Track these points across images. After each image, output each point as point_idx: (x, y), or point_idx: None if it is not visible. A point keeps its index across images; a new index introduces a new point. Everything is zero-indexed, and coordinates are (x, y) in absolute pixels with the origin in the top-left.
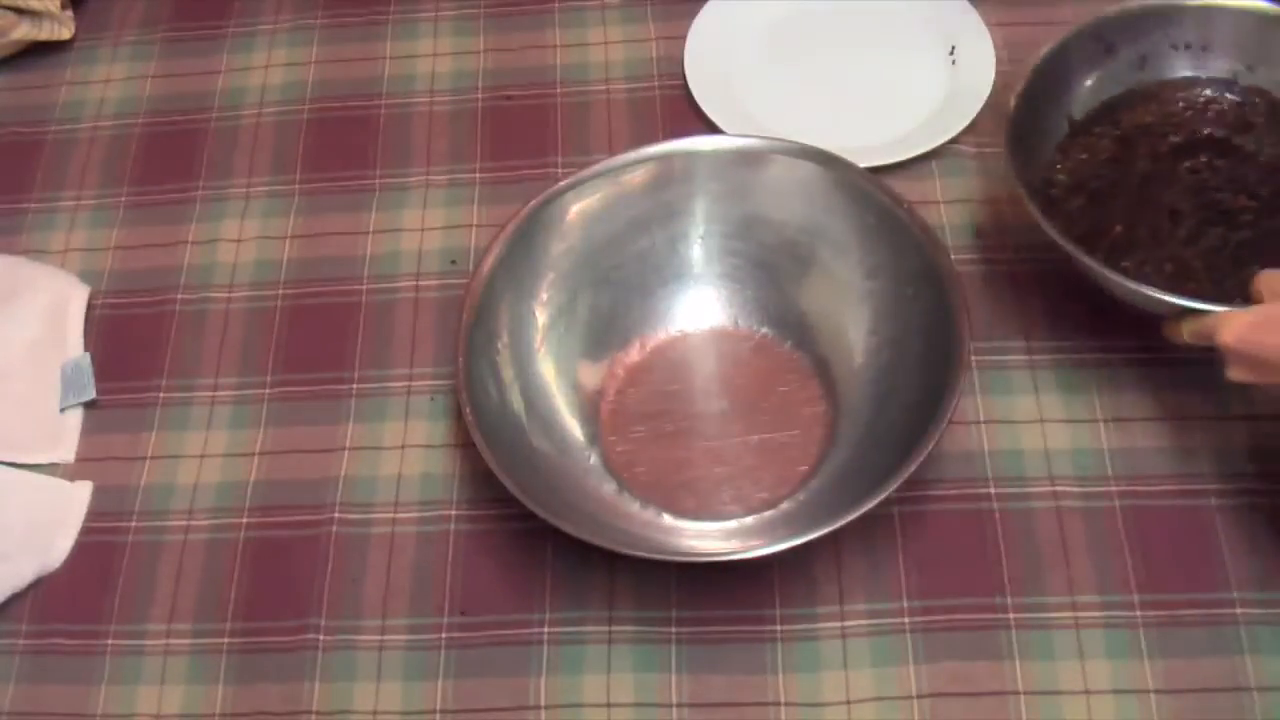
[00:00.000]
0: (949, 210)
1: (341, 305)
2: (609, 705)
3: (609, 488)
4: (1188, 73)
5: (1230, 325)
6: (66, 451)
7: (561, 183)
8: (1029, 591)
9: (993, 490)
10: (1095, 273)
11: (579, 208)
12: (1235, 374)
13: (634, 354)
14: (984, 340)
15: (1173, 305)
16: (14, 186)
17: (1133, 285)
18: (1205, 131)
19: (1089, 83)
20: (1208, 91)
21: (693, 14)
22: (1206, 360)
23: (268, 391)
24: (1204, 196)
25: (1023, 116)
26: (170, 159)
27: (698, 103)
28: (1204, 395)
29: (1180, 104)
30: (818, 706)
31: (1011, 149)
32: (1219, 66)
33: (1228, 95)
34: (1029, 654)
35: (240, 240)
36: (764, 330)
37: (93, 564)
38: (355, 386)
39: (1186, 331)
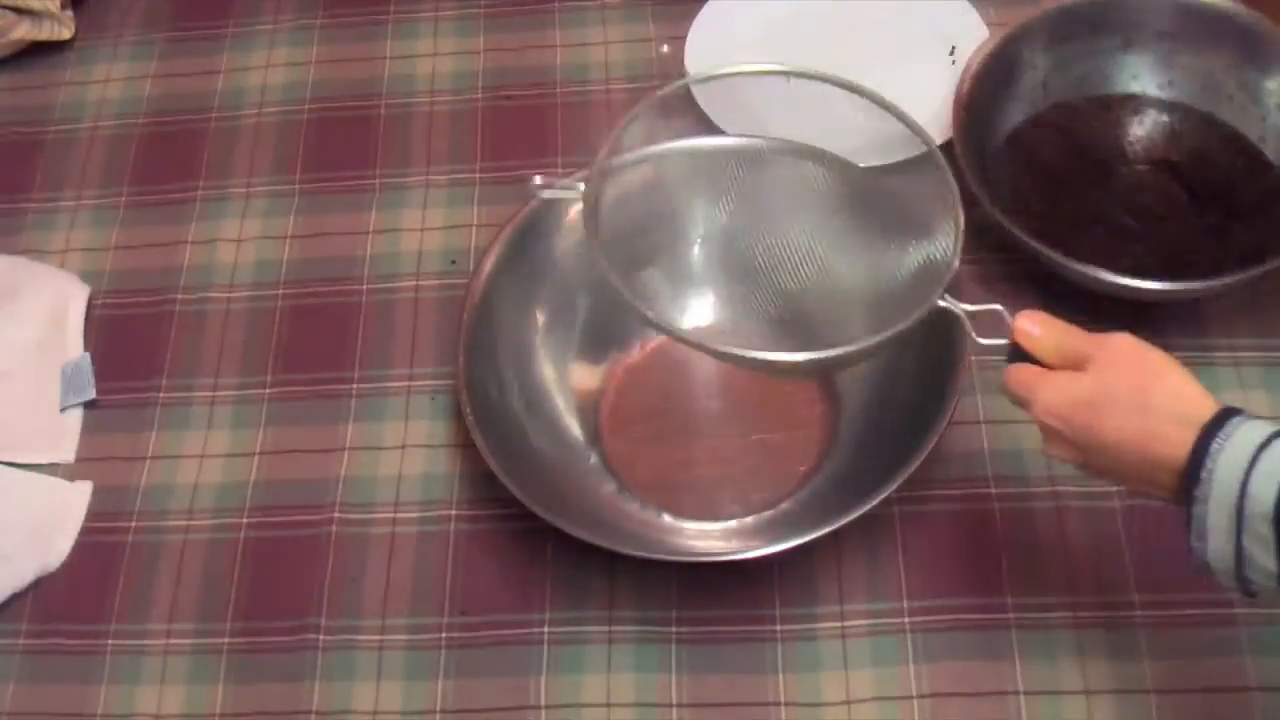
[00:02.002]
0: None
1: (341, 305)
2: (609, 705)
3: (609, 488)
4: (1124, 60)
5: (1043, 397)
6: (66, 451)
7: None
8: (1029, 591)
9: (993, 490)
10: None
11: (579, 208)
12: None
13: (634, 354)
14: (984, 339)
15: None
16: (14, 186)
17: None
18: (1136, 140)
19: (1040, 77)
20: (1146, 112)
21: (693, 14)
22: (1206, 361)
23: (268, 391)
24: (1130, 188)
25: (974, 107)
26: (170, 159)
27: (698, 103)
28: None
29: (1120, 114)
30: (818, 706)
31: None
32: (1152, 60)
33: (1162, 117)
34: (1029, 654)
35: (240, 240)
36: (764, 330)
37: (93, 564)
38: (355, 386)
39: (1004, 390)
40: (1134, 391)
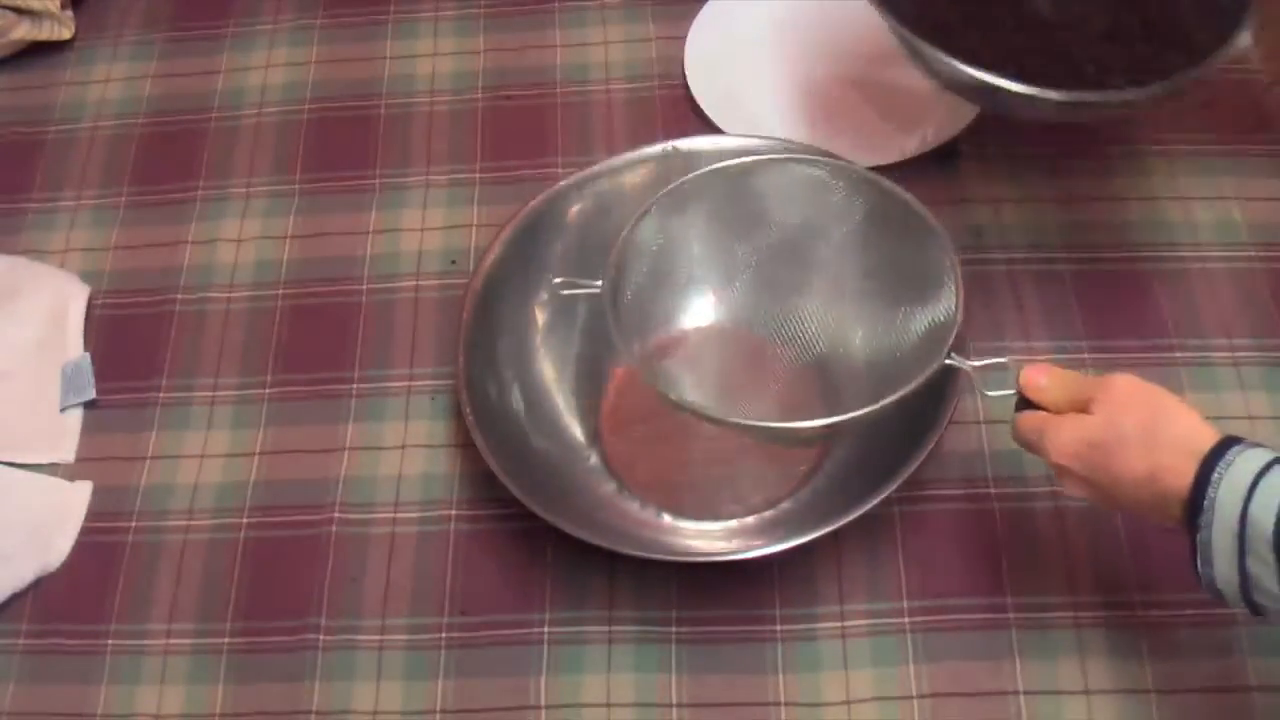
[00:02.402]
0: (949, 210)
1: (341, 305)
2: (609, 705)
3: (609, 488)
4: None
5: (1055, 442)
6: (66, 451)
7: (562, 183)
8: (1029, 591)
9: (993, 490)
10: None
11: (579, 208)
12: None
13: None
14: (984, 340)
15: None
16: (14, 186)
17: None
18: None
19: None
20: None
21: (693, 14)
22: (1206, 362)
23: (268, 391)
24: None
25: None
26: (170, 159)
27: (698, 103)
28: (1203, 396)
29: None
30: (818, 706)
31: None
32: None
33: None
34: (1029, 654)
35: (240, 240)
36: (764, 330)
37: (93, 564)
38: (355, 386)
39: (1014, 437)
40: (1140, 428)
